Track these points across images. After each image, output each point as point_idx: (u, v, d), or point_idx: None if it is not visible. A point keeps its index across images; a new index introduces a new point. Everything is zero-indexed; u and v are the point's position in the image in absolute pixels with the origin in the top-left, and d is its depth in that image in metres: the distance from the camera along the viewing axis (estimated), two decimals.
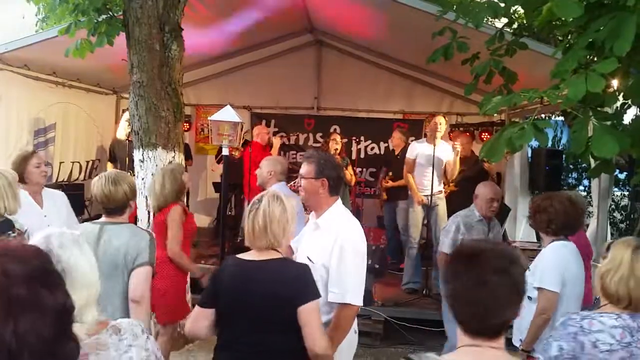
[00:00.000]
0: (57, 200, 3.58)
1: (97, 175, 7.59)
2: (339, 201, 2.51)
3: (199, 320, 2.11)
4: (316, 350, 1.99)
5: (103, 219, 2.59)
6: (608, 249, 1.94)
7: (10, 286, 0.68)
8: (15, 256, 0.72)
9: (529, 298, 2.76)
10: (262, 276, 2.04)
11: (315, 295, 2.04)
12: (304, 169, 2.48)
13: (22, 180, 3.16)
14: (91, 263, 1.44)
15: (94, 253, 1.52)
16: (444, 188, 5.67)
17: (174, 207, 3.43)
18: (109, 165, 6.45)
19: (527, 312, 2.73)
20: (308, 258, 2.41)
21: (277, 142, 6.37)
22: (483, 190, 3.81)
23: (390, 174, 6.32)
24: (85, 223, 2.66)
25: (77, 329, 1.13)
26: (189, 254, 3.56)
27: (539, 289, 2.70)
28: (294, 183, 6.27)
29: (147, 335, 1.51)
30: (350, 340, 2.45)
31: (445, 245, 3.88)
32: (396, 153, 6.43)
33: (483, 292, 1.22)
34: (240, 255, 2.16)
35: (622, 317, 1.80)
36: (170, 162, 4.01)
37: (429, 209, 5.42)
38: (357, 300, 2.34)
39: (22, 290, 0.69)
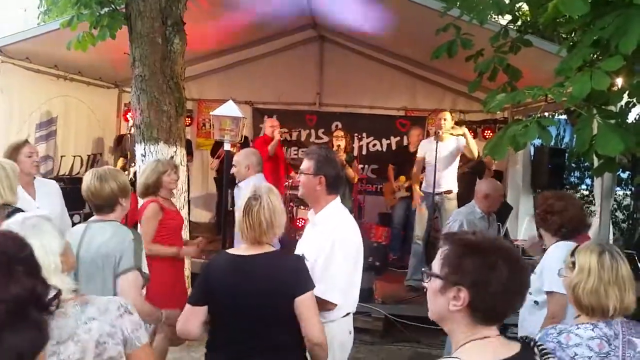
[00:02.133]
0: (51, 189, 3.51)
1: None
2: (338, 200, 2.50)
3: (191, 319, 2.07)
4: (315, 339, 2.02)
5: (93, 217, 2.54)
6: (572, 256, 1.88)
7: None
8: None
9: (536, 303, 2.67)
10: (259, 271, 2.05)
11: (311, 285, 2.07)
12: (304, 164, 2.48)
13: None
14: (43, 243, 1.48)
15: (76, 252, 1.57)
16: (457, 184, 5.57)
17: (150, 205, 3.37)
18: (120, 160, 6.52)
19: (532, 317, 2.66)
20: (302, 255, 2.41)
21: (277, 136, 6.05)
22: (492, 187, 3.80)
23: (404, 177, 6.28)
24: (78, 224, 2.59)
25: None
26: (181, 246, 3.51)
27: (549, 292, 2.58)
28: (292, 181, 6.26)
29: (123, 314, 1.55)
30: (344, 342, 2.44)
31: None
32: (412, 150, 6.39)
33: (518, 279, 1.24)
34: (231, 251, 2.16)
35: (598, 326, 1.76)
36: (172, 157, 4.01)
37: (436, 207, 5.40)
38: (337, 299, 2.32)
39: None
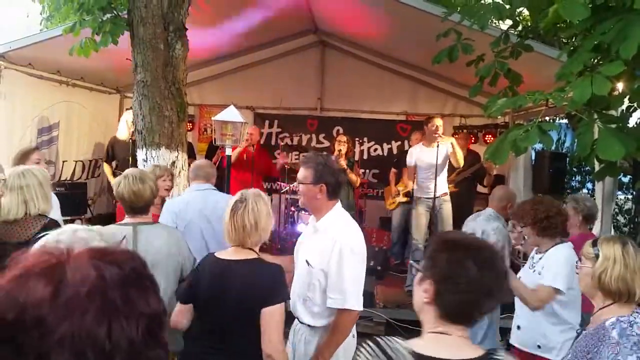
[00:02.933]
0: (54, 201, 3.57)
1: (99, 174, 7.51)
2: (339, 205, 2.49)
3: (180, 315, 2.21)
4: (268, 351, 2.04)
5: (128, 219, 2.57)
6: (594, 247, 1.97)
7: (106, 289, 0.69)
8: (112, 260, 0.73)
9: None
10: (236, 276, 2.11)
11: (283, 297, 2.11)
12: (302, 174, 2.46)
13: None
14: None
15: None
16: (448, 188, 5.61)
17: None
18: (106, 166, 6.29)
19: (537, 317, 2.71)
20: (307, 262, 2.40)
21: (244, 144, 5.49)
22: (514, 196, 3.91)
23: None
24: (111, 226, 2.59)
25: None
26: None
27: (547, 286, 2.67)
28: (293, 186, 6.24)
29: None
30: (348, 345, 2.42)
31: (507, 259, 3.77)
32: None
33: (488, 280, 1.24)
34: (218, 254, 2.22)
35: None
36: (173, 163, 4.02)
37: (434, 211, 5.40)
38: (357, 305, 2.33)
39: (117, 294, 0.70)
